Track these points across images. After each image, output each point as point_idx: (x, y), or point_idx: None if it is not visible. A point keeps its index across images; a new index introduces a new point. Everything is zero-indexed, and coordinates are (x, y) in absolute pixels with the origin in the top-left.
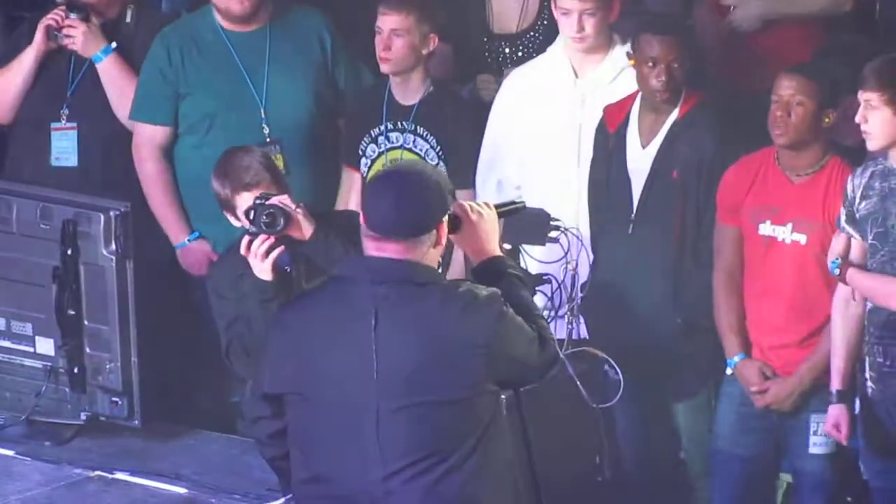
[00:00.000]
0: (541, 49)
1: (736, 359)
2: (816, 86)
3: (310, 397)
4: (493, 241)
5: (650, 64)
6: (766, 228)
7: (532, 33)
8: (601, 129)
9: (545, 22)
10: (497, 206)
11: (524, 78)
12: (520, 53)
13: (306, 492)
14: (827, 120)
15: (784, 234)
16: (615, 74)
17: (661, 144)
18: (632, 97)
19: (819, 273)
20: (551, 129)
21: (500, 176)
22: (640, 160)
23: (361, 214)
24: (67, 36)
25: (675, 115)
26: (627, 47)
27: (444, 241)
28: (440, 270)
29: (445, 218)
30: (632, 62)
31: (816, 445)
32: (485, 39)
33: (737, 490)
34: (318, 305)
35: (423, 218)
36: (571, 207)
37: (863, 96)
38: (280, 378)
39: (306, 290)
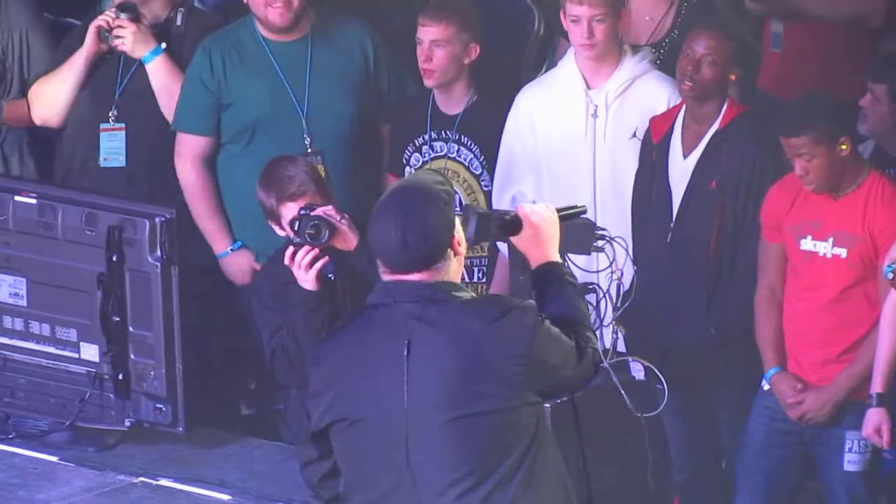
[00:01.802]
0: None
1: (772, 372)
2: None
3: (355, 420)
4: (553, 245)
5: (687, 53)
6: (807, 244)
7: None
8: (646, 140)
9: None
10: (559, 210)
11: (536, 92)
12: None
13: None
14: (844, 147)
15: (825, 248)
16: (627, 85)
17: (701, 155)
18: (677, 108)
19: (859, 287)
20: (564, 142)
21: (516, 191)
22: (681, 170)
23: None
24: (117, 37)
25: (716, 125)
26: (638, 58)
27: (462, 249)
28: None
29: (458, 227)
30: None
31: (851, 463)
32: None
33: (759, 499)
34: (355, 333)
35: (434, 246)
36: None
37: None
38: (322, 410)
39: (340, 325)
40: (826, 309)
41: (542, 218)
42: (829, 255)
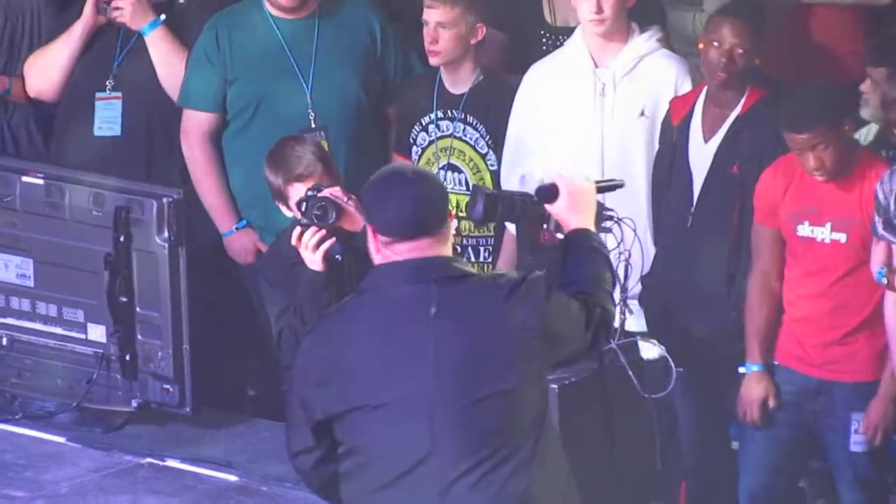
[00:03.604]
0: None
1: (755, 368)
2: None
3: (375, 407)
4: (589, 215)
5: (715, 44)
6: (804, 230)
7: None
8: (666, 122)
9: None
10: (597, 182)
11: (544, 71)
12: None
13: (380, 500)
14: (846, 128)
15: (823, 234)
16: (635, 63)
17: (722, 139)
18: (697, 91)
19: (860, 270)
20: (572, 121)
21: (524, 171)
22: (701, 154)
23: (371, 227)
24: (116, 8)
25: (737, 110)
26: (646, 36)
27: (454, 219)
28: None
29: (451, 211)
30: (701, 46)
31: (857, 444)
32: (542, 32)
33: (762, 477)
34: (357, 319)
35: (440, 207)
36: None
37: None
38: (330, 400)
39: (329, 312)
40: (827, 293)
41: (578, 187)
42: (827, 241)
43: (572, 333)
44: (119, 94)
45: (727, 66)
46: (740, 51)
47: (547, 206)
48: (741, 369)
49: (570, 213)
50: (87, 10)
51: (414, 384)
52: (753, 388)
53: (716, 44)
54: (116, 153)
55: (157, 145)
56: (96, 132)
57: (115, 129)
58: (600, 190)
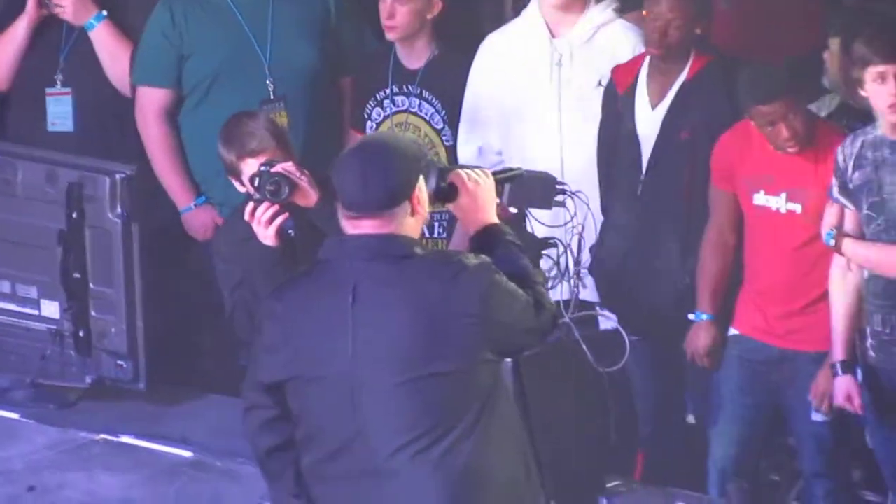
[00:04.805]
0: None
1: (704, 317)
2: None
3: (310, 379)
4: (490, 210)
5: (652, 17)
6: (760, 198)
7: None
8: (610, 91)
9: None
10: (495, 174)
11: (500, 41)
12: None
13: (319, 471)
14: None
15: (778, 203)
16: (592, 33)
17: (669, 106)
18: (640, 58)
19: (817, 241)
20: (530, 92)
21: (481, 142)
22: (649, 122)
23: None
24: (57, 5)
25: (683, 76)
26: (603, 6)
27: (422, 209)
28: (426, 240)
29: (421, 186)
30: (644, 13)
31: (818, 413)
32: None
33: (731, 449)
34: (304, 289)
35: (392, 189)
36: (555, 170)
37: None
38: (277, 365)
39: (292, 276)
40: (785, 263)
41: (477, 184)
42: (783, 211)
43: (517, 324)
44: (69, 89)
45: (660, 41)
46: (676, 25)
47: (449, 206)
48: (690, 316)
49: (473, 211)
50: (30, 4)
51: (339, 362)
52: (701, 335)
53: (652, 18)
54: (71, 149)
55: (111, 139)
56: (49, 128)
57: (67, 125)
58: (499, 181)
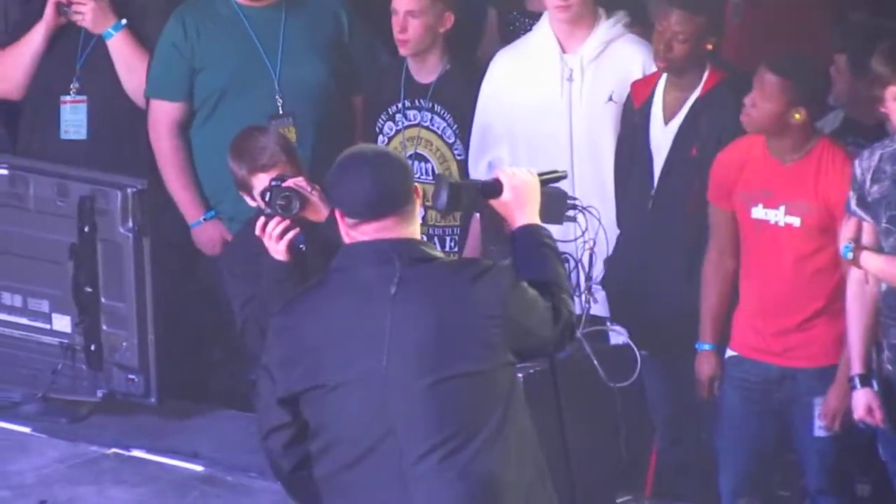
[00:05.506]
0: None
1: (706, 347)
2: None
3: (331, 387)
4: (533, 209)
5: (660, 33)
6: (758, 212)
7: None
8: (628, 105)
9: None
10: (539, 174)
11: (511, 57)
12: None
13: (334, 482)
14: (797, 116)
15: (777, 216)
16: (602, 48)
17: (682, 121)
18: (658, 73)
19: (816, 256)
20: (540, 107)
21: (492, 157)
22: (662, 137)
23: (337, 212)
24: (76, 12)
25: (697, 92)
26: (613, 21)
27: (420, 207)
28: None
29: (417, 187)
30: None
31: (821, 428)
32: (515, 13)
33: (741, 467)
34: (317, 300)
35: (401, 185)
36: (565, 185)
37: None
38: (293, 378)
39: (301, 290)
40: (783, 277)
41: (522, 181)
42: (781, 224)
43: (536, 329)
44: (84, 97)
45: (665, 55)
46: (682, 39)
47: (492, 203)
48: (696, 346)
49: (515, 208)
50: (48, 11)
51: (370, 364)
52: (703, 366)
53: (659, 31)
54: (83, 157)
55: (124, 149)
56: (62, 136)
57: (81, 133)
58: (543, 182)
